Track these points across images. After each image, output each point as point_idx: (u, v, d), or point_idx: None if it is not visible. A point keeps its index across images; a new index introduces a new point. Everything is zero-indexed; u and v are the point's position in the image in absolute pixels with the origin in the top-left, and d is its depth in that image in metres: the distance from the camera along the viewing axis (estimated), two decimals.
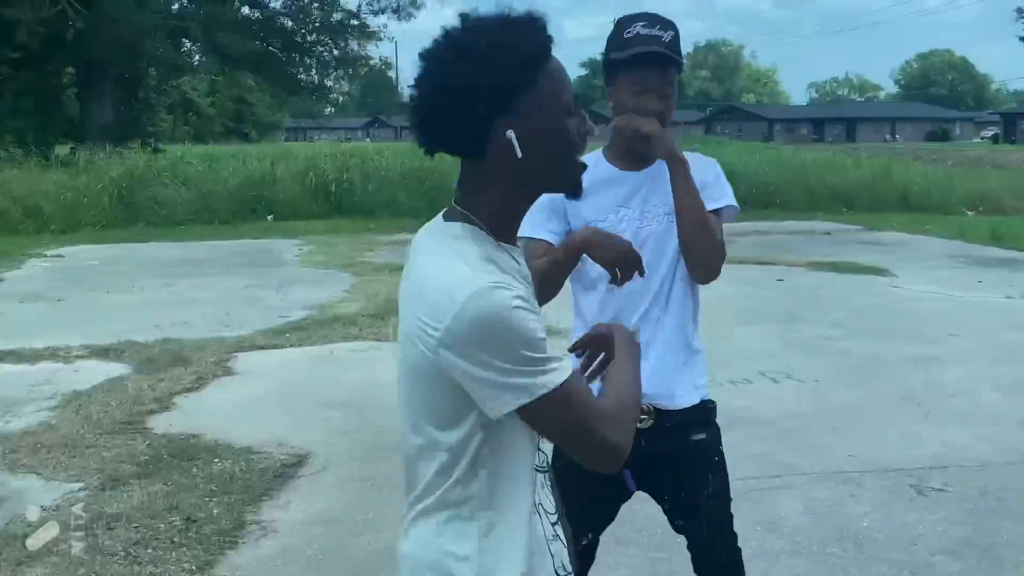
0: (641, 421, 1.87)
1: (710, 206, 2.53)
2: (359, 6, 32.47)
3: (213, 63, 33.29)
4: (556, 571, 1.63)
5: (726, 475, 2.80)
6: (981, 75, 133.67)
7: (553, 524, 1.66)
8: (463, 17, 1.55)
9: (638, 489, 2.76)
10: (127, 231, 16.99)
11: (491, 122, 1.51)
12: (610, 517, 2.85)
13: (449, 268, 1.48)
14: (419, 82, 1.55)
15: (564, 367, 1.49)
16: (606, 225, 2.41)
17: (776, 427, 5.64)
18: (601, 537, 4.03)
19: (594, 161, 2.54)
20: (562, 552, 1.66)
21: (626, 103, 2.49)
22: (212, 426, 5.67)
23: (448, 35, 1.53)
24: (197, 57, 33.38)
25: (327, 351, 7.62)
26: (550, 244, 2.39)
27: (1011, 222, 17.53)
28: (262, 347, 7.75)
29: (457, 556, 1.54)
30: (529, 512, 1.59)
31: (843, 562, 3.89)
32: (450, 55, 1.50)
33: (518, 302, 1.44)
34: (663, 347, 2.54)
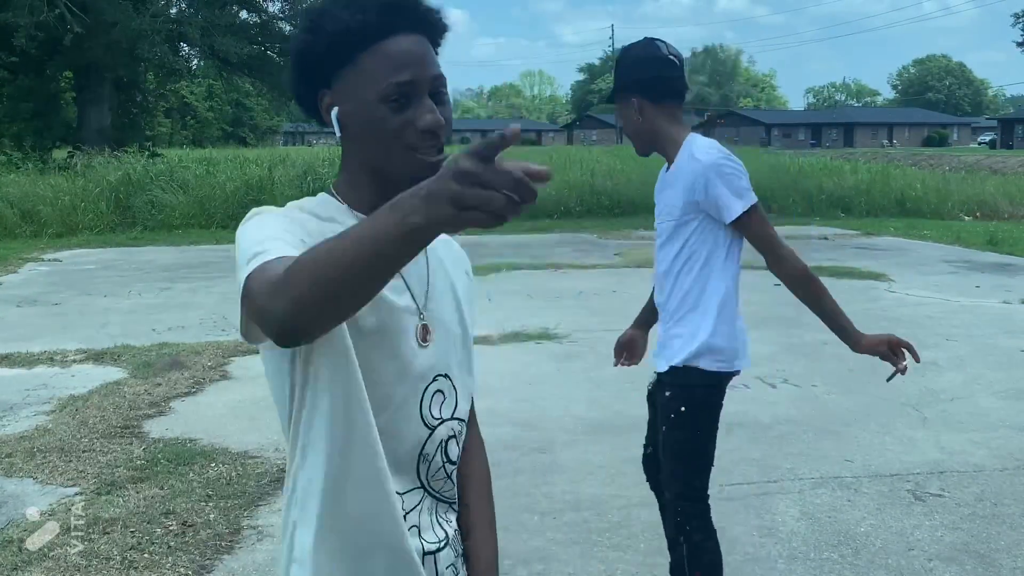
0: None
1: (729, 219, 2.97)
2: None
3: (211, 67, 33.27)
4: None
5: (681, 433, 3.16)
6: (978, 80, 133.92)
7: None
8: None
9: None
10: (124, 235, 16.98)
11: (314, 94, 1.44)
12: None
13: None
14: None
15: (262, 255, 1.27)
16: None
17: (773, 432, 5.64)
18: (601, 539, 4.03)
19: None
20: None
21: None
22: (208, 430, 5.66)
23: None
24: (195, 61, 33.35)
25: None
26: None
27: (1008, 227, 17.56)
28: (259, 352, 7.73)
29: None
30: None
31: (840, 568, 3.88)
32: (302, 22, 1.44)
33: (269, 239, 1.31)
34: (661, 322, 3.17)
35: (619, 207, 20.64)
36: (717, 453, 5.28)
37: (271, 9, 32.49)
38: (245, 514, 4.42)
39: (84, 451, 5.27)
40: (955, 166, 35.31)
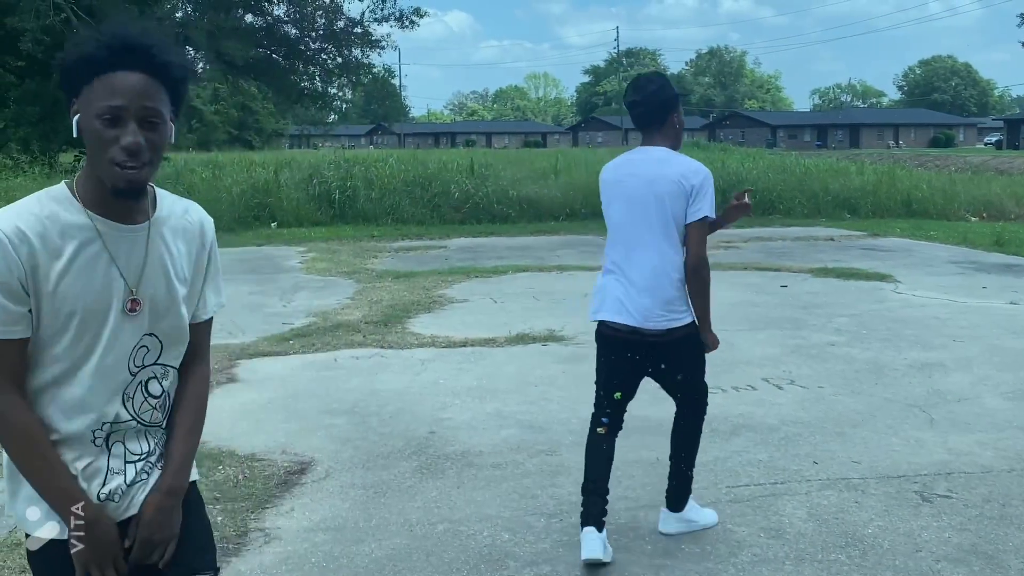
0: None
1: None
2: (362, 14, 32.60)
3: (217, 71, 33.34)
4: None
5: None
6: (984, 81, 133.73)
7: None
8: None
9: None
10: None
11: (69, 100, 1.87)
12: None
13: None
14: None
15: None
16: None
17: (780, 433, 5.63)
18: (605, 542, 4.03)
19: None
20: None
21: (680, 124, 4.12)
22: (216, 433, 5.67)
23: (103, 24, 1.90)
24: (201, 65, 33.42)
25: (331, 358, 7.62)
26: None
27: (1015, 228, 17.53)
28: (266, 354, 7.76)
29: None
30: None
31: (847, 569, 3.88)
32: (70, 42, 1.89)
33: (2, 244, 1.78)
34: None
35: None
36: (723, 455, 5.30)
37: (276, 12, 32.60)
38: (252, 516, 4.43)
39: None
40: (961, 167, 35.26)
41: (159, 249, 1.98)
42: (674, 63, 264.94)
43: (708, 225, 3.94)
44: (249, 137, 75.85)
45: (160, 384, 2.04)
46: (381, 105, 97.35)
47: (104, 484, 1.96)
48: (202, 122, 69.55)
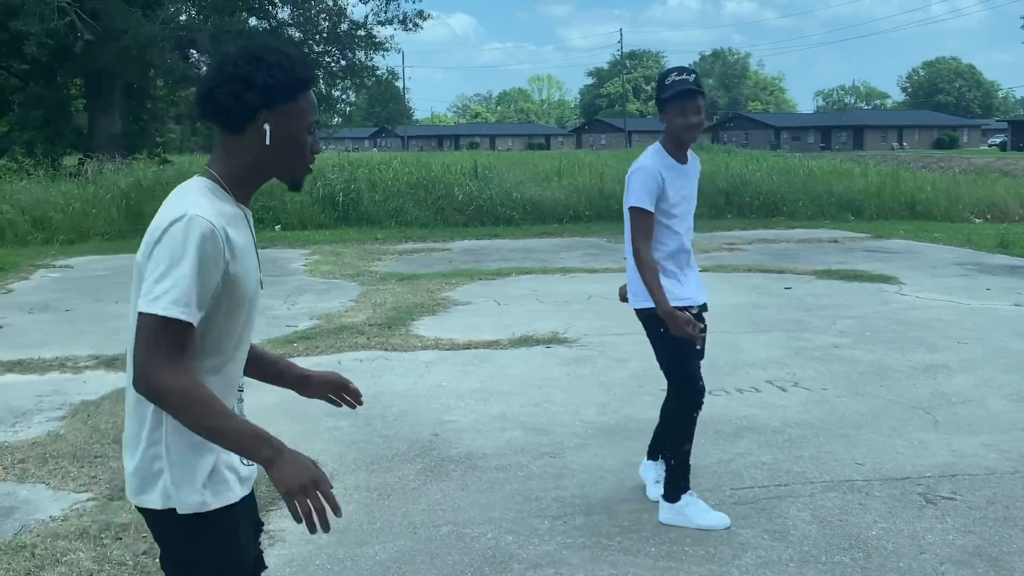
0: None
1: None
2: (366, 17, 32.59)
3: None
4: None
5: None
6: (988, 82, 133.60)
7: None
8: (262, 41, 2.24)
9: None
10: (135, 242, 16.76)
11: (258, 111, 2.09)
12: None
13: (174, 205, 2.04)
14: (215, 69, 2.12)
15: (182, 310, 1.94)
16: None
17: (784, 435, 5.63)
18: (612, 543, 4.03)
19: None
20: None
21: (675, 122, 4.22)
22: None
23: (246, 47, 2.12)
24: (205, 68, 33.49)
25: (334, 361, 7.63)
26: None
27: (1019, 229, 17.50)
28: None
29: None
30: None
31: (851, 571, 3.88)
32: (246, 57, 2.09)
33: (215, 236, 1.98)
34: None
35: None
36: (727, 457, 5.30)
37: (280, 15, 32.62)
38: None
39: (96, 456, 5.30)
40: (965, 168, 35.23)
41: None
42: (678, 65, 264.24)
43: (637, 213, 4.22)
44: None
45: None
46: (385, 108, 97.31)
47: None
48: (206, 125, 69.55)
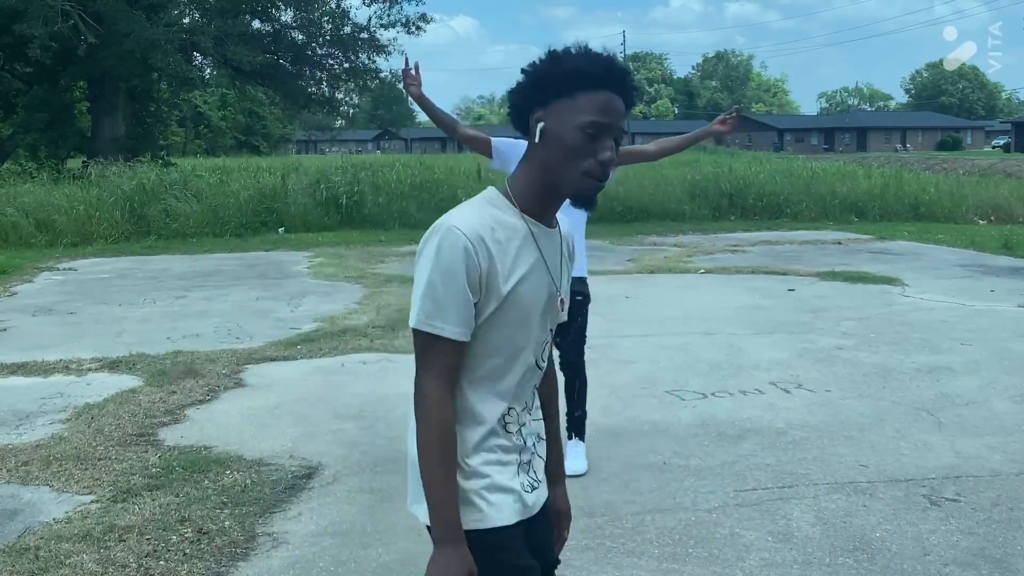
0: None
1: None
2: (369, 19, 32.60)
3: (224, 76, 33.43)
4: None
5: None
6: (991, 83, 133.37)
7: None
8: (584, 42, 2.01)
9: None
10: (139, 244, 17.06)
11: (530, 108, 1.94)
12: None
13: (443, 216, 1.95)
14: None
15: (445, 325, 1.87)
16: None
17: (787, 437, 5.63)
18: (616, 545, 4.03)
19: None
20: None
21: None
22: (223, 438, 5.69)
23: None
24: (208, 71, 33.51)
25: (338, 363, 7.63)
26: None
27: (1023, 231, 17.47)
28: (273, 359, 7.77)
29: None
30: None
31: (855, 573, 3.87)
32: (545, 53, 1.97)
33: (466, 248, 1.87)
34: None
35: (631, 213, 20.64)
36: (730, 459, 5.29)
37: (283, 18, 32.66)
38: (260, 521, 4.43)
39: (100, 459, 5.30)
40: (969, 170, 35.17)
41: (566, 251, 2.12)
42: (681, 67, 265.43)
43: None
44: (256, 142, 76.09)
45: (540, 379, 2.16)
46: (388, 110, 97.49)
47: (524, 473, 2.05)
48: (209, 127, 69.75)
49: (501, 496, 1.97)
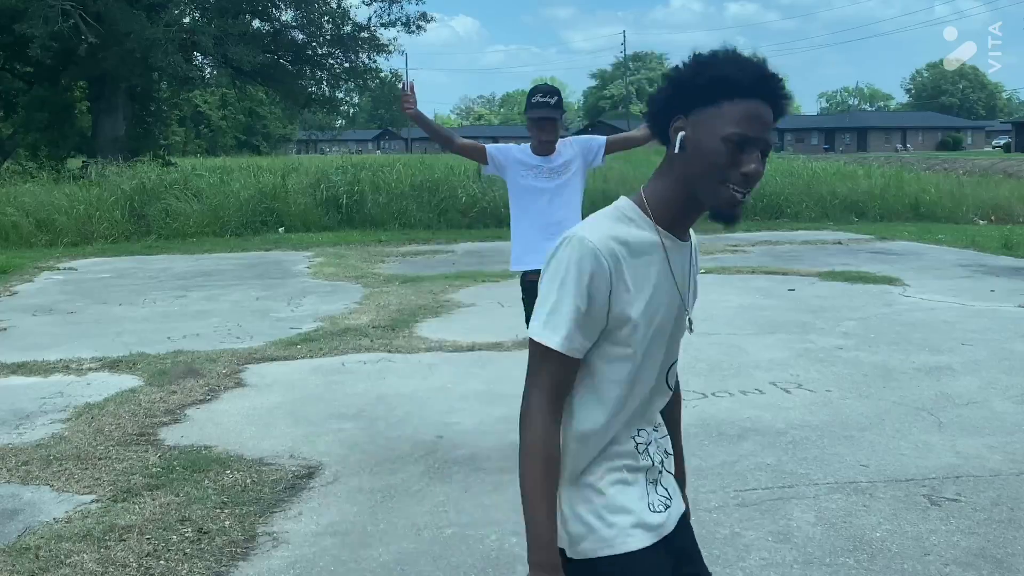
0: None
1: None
2: (369, 19, 32.65)
3: (224, 76, 33.44)
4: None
5: None
6: (992, 83, 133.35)
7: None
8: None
9: None
10: (139, 244, 17.07)
11: (669, 115, 1.83)
12: None
13: (575, 227, 1.86)
14: None
15: (559, 339, 1.80)
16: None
17: (787, 437, 5.63)
18: None
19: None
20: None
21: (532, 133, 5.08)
22: (223, 438, 5.69)
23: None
24: (208, 70, 33.51)
25: (338, 363, 7.63)
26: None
27: (1023, 231, 17.46)
28: (273, 359, 7.77)
29: None
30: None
31: (855, 573, 3.87)
32: (689, 58, 1.85)
33: (594, 263, 1.78)
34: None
35: None
36: (731, 459, 5.29)
37: (283, 18, 32.68)
38: (260, 521, 4.43)
39: (100, 459, 5.30)
40: (969, 170, 35.15)
41: (695, 267, 2.03)
42: None
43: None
44: (257, 142, 76.12)
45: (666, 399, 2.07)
46: (388, 110, 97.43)
47: (654, 492, 1.98)
48: (210, 127, 69.75)
49: (624, 518, 1.89)
